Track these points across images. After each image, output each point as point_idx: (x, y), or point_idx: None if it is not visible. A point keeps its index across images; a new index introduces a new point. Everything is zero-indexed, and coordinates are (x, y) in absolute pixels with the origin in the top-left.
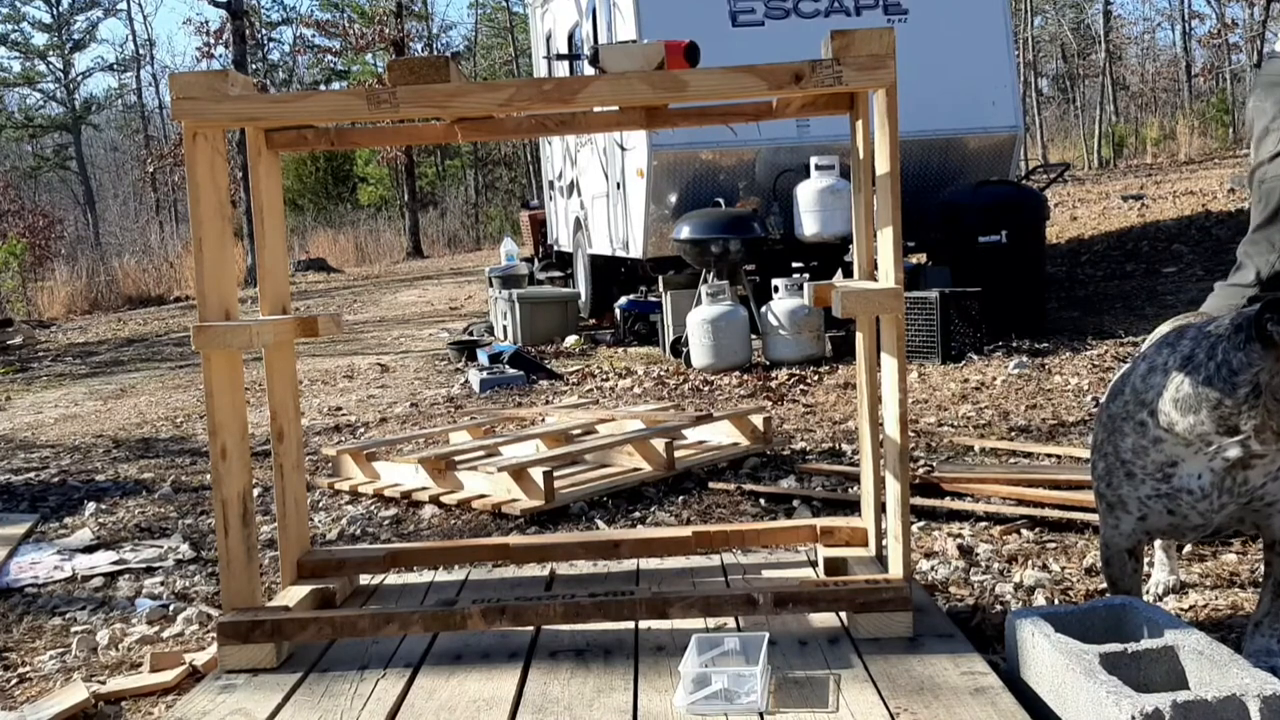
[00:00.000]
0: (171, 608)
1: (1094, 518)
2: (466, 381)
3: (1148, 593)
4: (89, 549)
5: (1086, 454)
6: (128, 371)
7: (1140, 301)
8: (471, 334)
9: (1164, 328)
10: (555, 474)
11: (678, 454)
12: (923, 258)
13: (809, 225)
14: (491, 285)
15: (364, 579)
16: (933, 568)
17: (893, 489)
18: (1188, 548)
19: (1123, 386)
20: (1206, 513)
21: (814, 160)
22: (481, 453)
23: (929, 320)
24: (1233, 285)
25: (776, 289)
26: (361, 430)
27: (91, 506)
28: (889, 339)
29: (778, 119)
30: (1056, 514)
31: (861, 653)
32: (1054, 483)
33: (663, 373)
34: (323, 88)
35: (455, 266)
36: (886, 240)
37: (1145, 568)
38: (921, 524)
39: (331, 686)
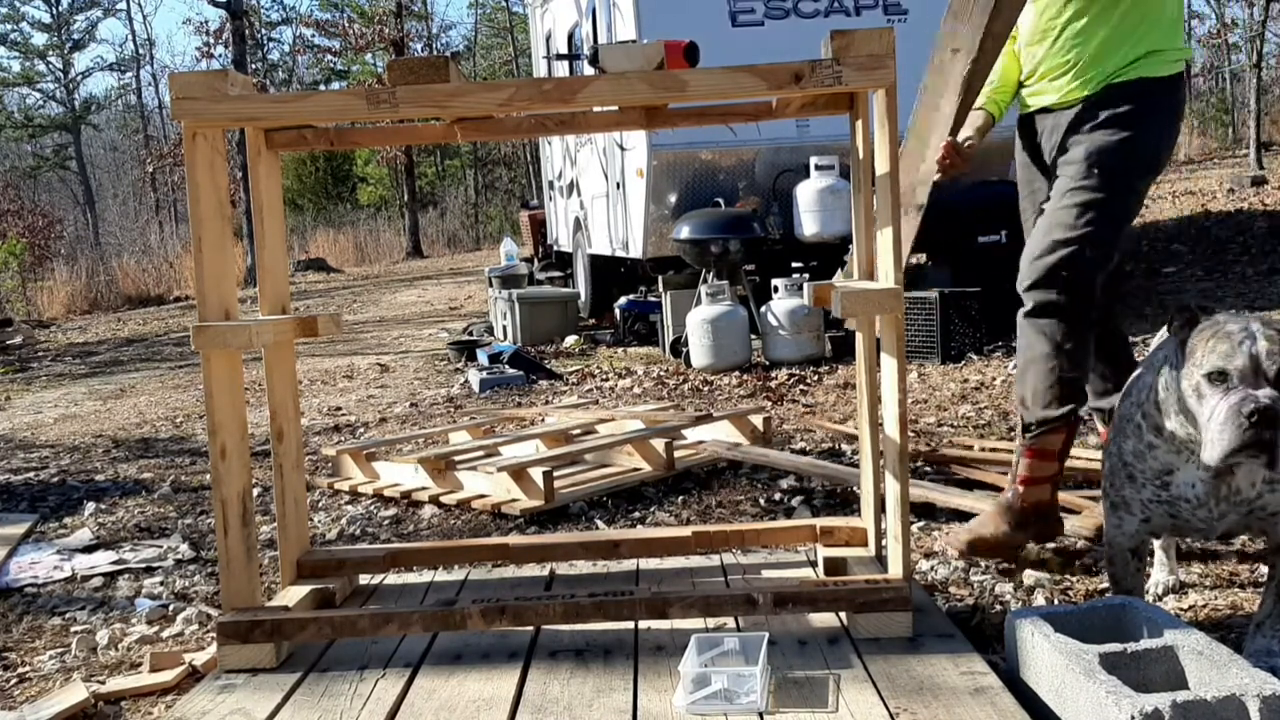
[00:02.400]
0: (171, 608)
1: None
2: (466, 381)
3: (1148, 593)
4: (89, 549)
5: (1085, 454)
6: (127, 371)
7: (1140, 301)
8: (471, 334)
9: None
10: (555, 474)
11: (678, 454)
12: (922, 258)
13: (809, 225)
14: (491, 285)
15: (364, 579)
16: (933, 568)
17: (892, 489)
18: (1186, 547)
19: (1131, 387)
20: (1207, 519)
21: (814, 160)
22: (481, 453)
23: (929, 320)
24: None
25: (776, 289)
26: (361, 430)
27: (91, 506)
28: (889, 339)
29: (778, 119)
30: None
31: (861, 653)
32: None
33: (662, 373)
34: (323, 88)
35: (455, 266)
36: (886, 240)
37: (1146, 567)
38: (921, 524)
39: (331, 686)
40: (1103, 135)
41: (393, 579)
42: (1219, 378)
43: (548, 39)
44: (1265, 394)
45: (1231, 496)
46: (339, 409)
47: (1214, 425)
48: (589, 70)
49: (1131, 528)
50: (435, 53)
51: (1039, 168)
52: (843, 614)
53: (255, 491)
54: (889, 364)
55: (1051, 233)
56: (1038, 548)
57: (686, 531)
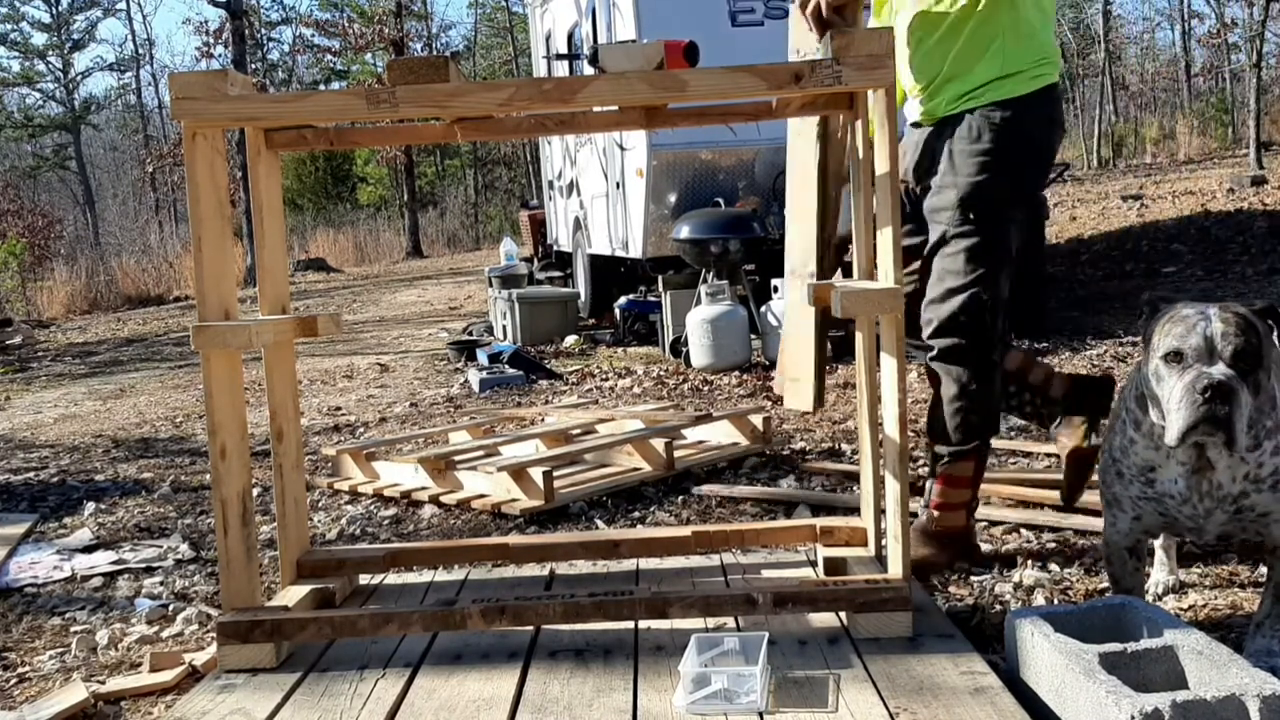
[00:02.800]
0: (171, 608)
1: (1093, 519)
2: (466, 381)
3: (1148, 592)
4: (88, 549)
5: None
6: (127, 371)
7: (1140, 301)
8: (471, 334)
9: None
10: (555, 474)
11: (677, 454)
12: None
13: None
14: (491, 285)
15: (364, 579)
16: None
17: (892, 489)
18: (1185, 546)
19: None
20: (1194, 517)
21: None
22: (481, 452)
23: None
24: None
25: (776, 289)
26: (361, 430)
27: (91, 506)
28: (888, 339)
29: (778, 119)
30: (1054, 517)
31: (861, 652)
32: (1054, 483)
33: (662, 372)
34: (322, 88)
35: (455, 266)
36: (886, 240)
37: (1146, 567)
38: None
39: (331, 686)
40: (968, 178)
41: (393, 579)
42: (1175, 358)
43: (548, 39)
44: (1218, 370)
45: (1214, 492)
46: (339, 409)
47: (1171, 405)
48: (589, 70)
49: (1125, 525)
50: (435, 52)
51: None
52: (843, 614)
53: (255, 491)
54: (889, 364)
55: (944, 280)
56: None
57: (686, 531)
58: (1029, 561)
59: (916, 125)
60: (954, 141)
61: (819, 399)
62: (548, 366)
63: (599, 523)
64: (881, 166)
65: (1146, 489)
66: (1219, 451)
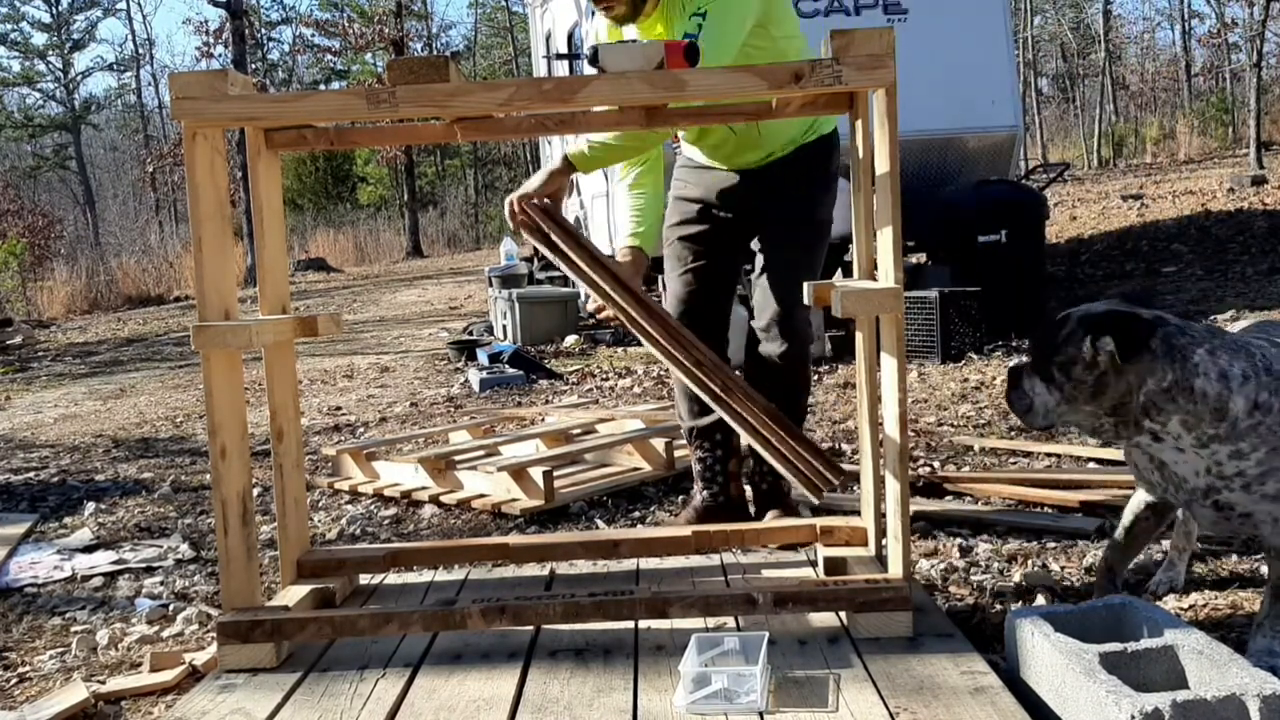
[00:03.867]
0: (171, 607)
1: (1093, 520)
2: (466, 381)
3: (1148, 592)
4: (89, 549)
5: (1085, 453)
6: (127, 371)
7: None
8: (471, 334)
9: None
10: (555, 474)
11: (677, 454)
12: (923, 258)
13: None
14: (491, 285)
15: (364, 579)
16: (932, 567)
17: (892, 489)
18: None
19: None
20: (1188, 504)
21: None
22: (481, 452)
23: (929, 320)
24: None
25: None
26: (361, 430)
27: (91, 506)
28: (888, 339)
29: (778, 119)
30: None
31: (861, 652)
32: (1054, 483)
33: (662, 372)
34: (322, 87)
35: (455, 266)
36: (886, 240)
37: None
38: (922, 523)
39: (331, 686)
40: (815, 207)
41: (393, 579)
42: None
43: (547, 39)
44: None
45: (1182, 485)
46: (339, 409)
47: None
48: (589, 70)
49: (1142, 496)
50: (435, 52)
51: (719, 205)
52: (843, 614)
53: (255, 491)
54: (889, 364)
55: (794, 293)
56: None
57: (686, 531)
58: (1029, 561)
59: (743, 170)
60: (798, 173)
61: (832, 477)
62: (548, 366)
63: (599, 523)
64: (882, 166)
65: (1137, 467)
66: (1158, 445)
